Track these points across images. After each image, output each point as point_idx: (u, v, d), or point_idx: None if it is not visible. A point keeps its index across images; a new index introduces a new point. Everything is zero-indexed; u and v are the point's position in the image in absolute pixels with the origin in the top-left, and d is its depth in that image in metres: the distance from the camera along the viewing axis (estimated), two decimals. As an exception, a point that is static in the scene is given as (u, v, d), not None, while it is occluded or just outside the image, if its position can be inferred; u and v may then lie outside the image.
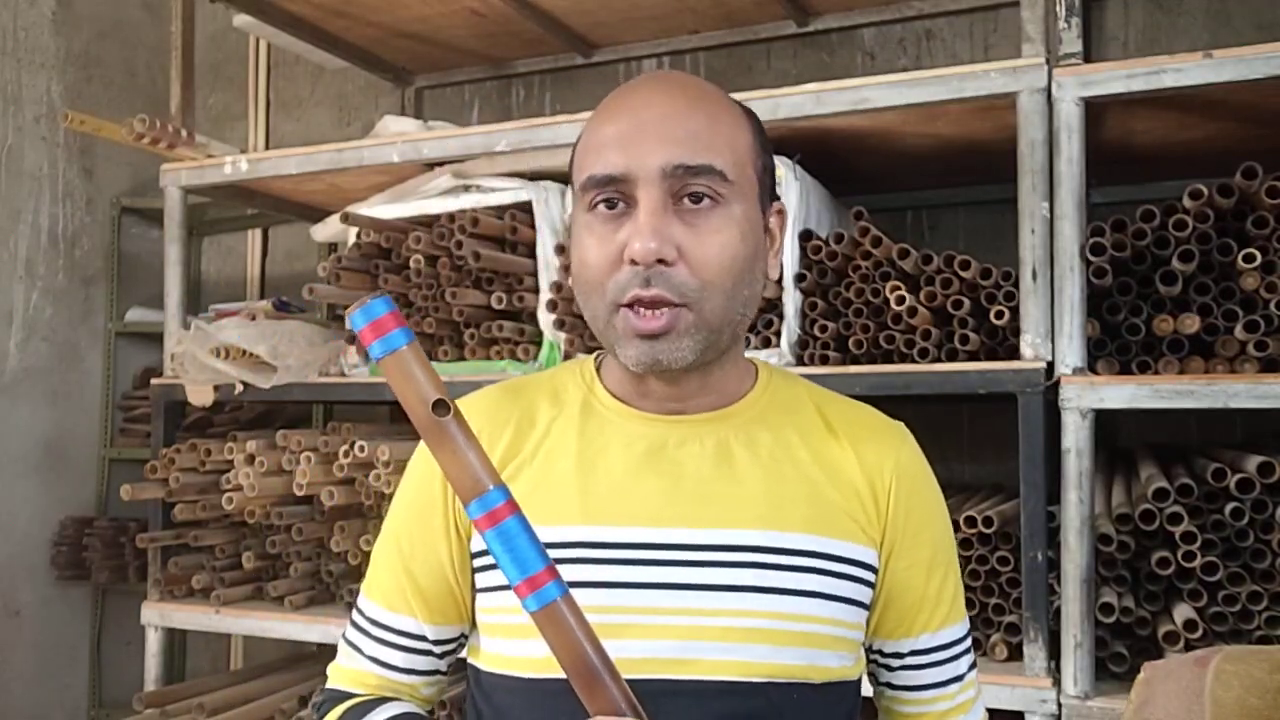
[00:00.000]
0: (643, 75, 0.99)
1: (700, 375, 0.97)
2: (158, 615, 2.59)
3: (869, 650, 1.05)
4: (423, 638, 1.02)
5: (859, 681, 1.02)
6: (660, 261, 0.88)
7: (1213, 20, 2.46)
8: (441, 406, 0.82)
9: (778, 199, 1.02)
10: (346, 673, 1.05)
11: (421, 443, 1.03)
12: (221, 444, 2.50)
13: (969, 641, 1.07)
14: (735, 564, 0.93)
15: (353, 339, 2.43)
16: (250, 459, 2.43)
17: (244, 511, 2.43)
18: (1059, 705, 1.80)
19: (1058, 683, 1.81)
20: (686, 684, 0.91)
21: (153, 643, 2.64)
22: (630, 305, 0.90)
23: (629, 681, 0.84)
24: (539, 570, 0.80)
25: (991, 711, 1.85)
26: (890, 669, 1.05)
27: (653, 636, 0.91)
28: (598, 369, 1.04)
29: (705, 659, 0.91)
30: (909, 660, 1.04)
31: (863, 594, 0.98)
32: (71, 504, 3.34)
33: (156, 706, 2.52)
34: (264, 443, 2.46)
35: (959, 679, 1.05)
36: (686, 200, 0.91)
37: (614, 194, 0.92)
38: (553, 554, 0.88)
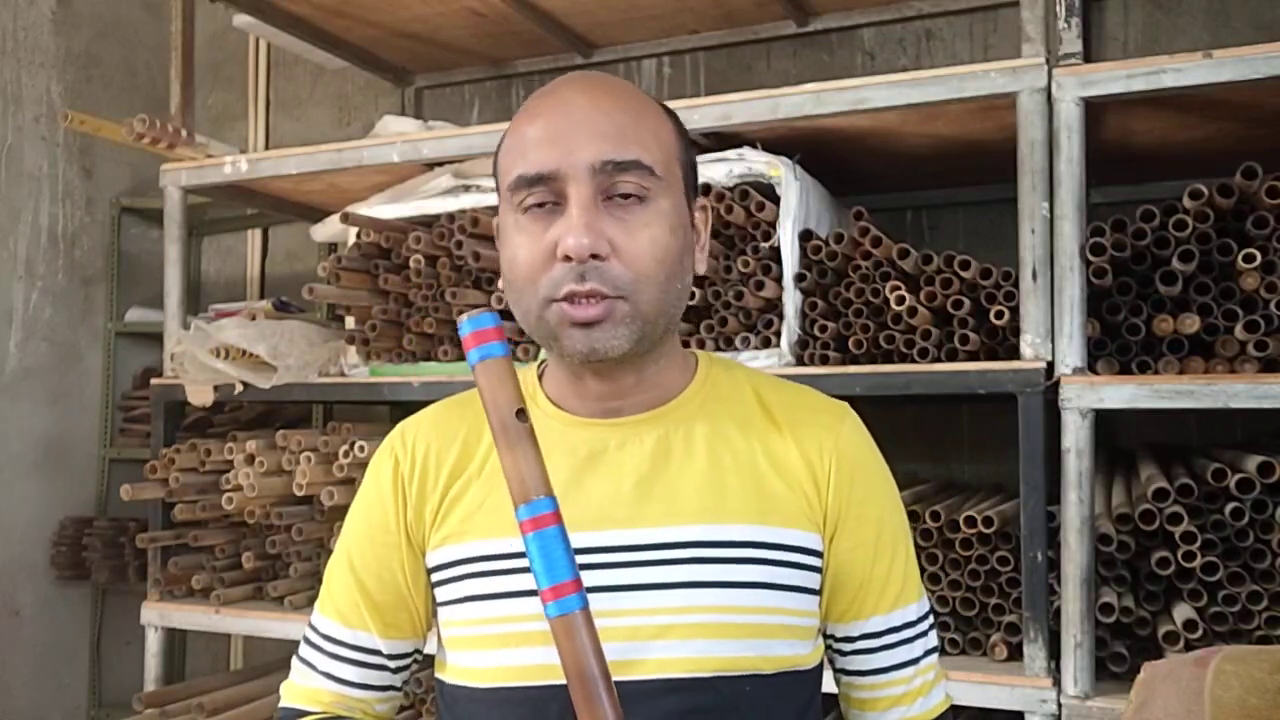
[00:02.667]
0: (564, 77, 0.99)
1: (636, 370, 0.98)
2: (158, 615, 2.59)
3: (824, 636, 1.05)
4: (377, 652, 1.03)
5: (817, 669, 1.02)
6: (594, 256, 0.89)
7: (1213, 20, 2.46)
8: (523, 414, 0.88)
9: (699, 195, 1.03)
10: (300, 690, 1.05)
11: (373, 459, 1.06)
12: (221, 444, 2.50)
13: (926, 624, 1.05)
14: (677, 561, 0.94)
15: (352, 339, 2.43)
16: (250, 459, 2.43)
17: (244, 511, 2.43)
18: (1059, 705, 1.80)
19: (1058, 683, 1.81)
20: (634, 684, 0.91)
21: (153, 643, 2.64)
22: (565, 299, 0.91)
23: None
24: (567, 580, 0.84)
25: (991, 711, 1.86)
26: (843, 654, 1.04)
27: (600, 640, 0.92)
28: (540, 378, 1.05)
29: (651, 658, 0.92)
30: (860, 644, 1.03)
31: (810, 580, 0.98)
32: (71, 504, 3.34)
33: (156, 706, 2.52)
34: (264, 443, 2.46)
35: (913, 662, 1.03)
36: (616, 197, 0.92)
37: (543, 193, 0.92)
38: (499, 565, 0.92)
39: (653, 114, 0.97)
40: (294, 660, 1.07)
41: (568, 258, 0.89)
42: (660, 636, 0.92)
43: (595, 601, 0.92)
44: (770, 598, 0.95)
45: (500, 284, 1.04)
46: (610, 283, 0.90)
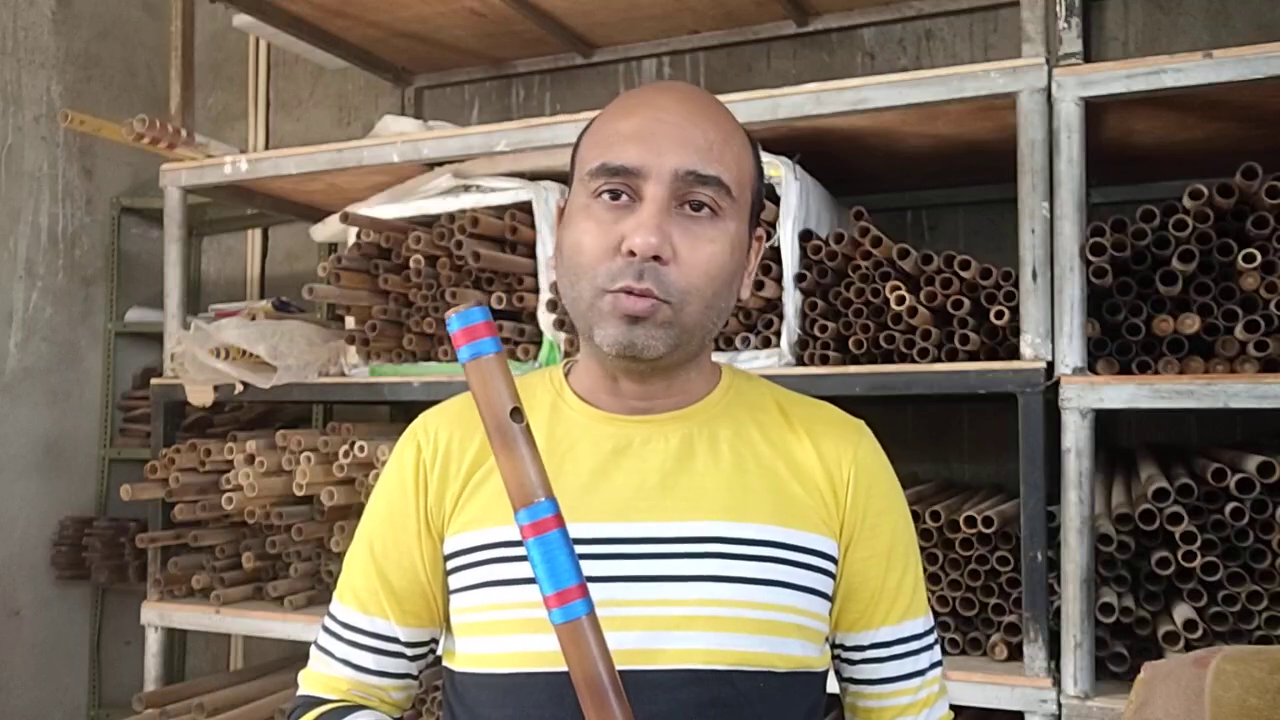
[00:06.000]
0: (660, 83, 1.02)
1: (666, 378, 1.00)
2: (158, 615, 2.59)
3: (832, 645, 1.07)
4: (395, 639, 1.04)
5: (825, 674, 1.04)
6: (656, 259, 0.91)
7: (1213, 20, 2.46)
8: (517, 414, 0.86)
9: (760, 225, 1.05)
10: (318, 678, 1.06)
11: (396, 447, 1.07)
12: (221, 444, 2.50)
13: (932, 638, 1.08)
14: (698, 554, 0.96)
15: (352, 339, 2.43)
16: (250, 459, 2.44)
17: (244, 511, 2.43)
18: (1059, 705, 1.80)
19: (1058, 683, 1.81)
20: (653, 674, 0.93)
21: (153, 643, 2.64)
22: (619, 291, 0.92)
23: None
24: (571, 585, 0.83)
25: (991, 711, 1.86)
26: (852, 663, 1.06)
27: (619, 628, 0.92)
28: (566, 375, 1.06)
29: (671, 648, 0.93)
30: (869, 653, 1.05)
31: (824, 584, 1.00)
32: (71, 504, 3.34)
33: (156, 706, 2.52)
34: (264, 443, 2.46)
35: (920, 674, 1.05)
36: (688, 206, 0.94)
37: (621, 185, 0.94)
38: (519, 551, 0.91)
39: (740, 139, 1.00)
40: (312, 648, 1.08)
41: (632, 253, 0.91)
42: (680, 627, 0.94)
43: (617, 590, 0.94)
44: (787, 596, 0.97)
45: (550, 262, 1.06)
46: (663, 287, 0.92)
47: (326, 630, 1.07)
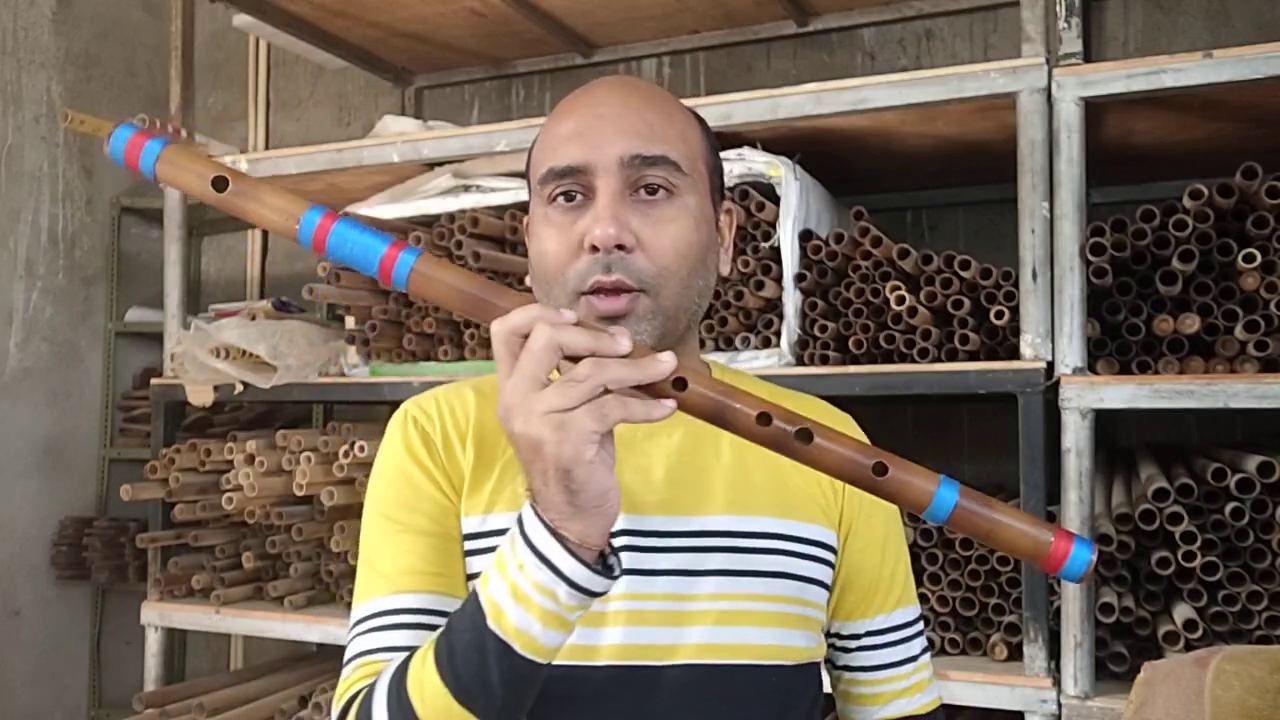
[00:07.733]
0: (598, 79, 1.03)
1: None
2: (158, 615, 2.59)
3: (827, 634, 1.08)
4: (428, 611, 0.94)
5: (820, 665, 1.05)
6: (620, 248, 0.90)
7: (1213, 20, 2.46)
8: (221, 180, 0.80)
9: (725, 199, 1.05)
10: (351, 682, 0.95)
11: (389, 432, 1.02)
12: (221, 444, 2.50)
13: (921, 625, 1.11)
14: (708, 549, 0.96)
15: (352, 339, 2.43)
16: (250, 459, 2.44)
17: (244, 511, 2.43)
18: (1059, 705, 1.80)
19: (1058, 683, 1.81)
20: (666, 669, 0.92)
21: (153, 643, 2.64)
22: (592, 292, 0.91)
23: (611, 668, 0.89)
24: (387, 247, 0.79)
25: (991, 711, 1.86)
26: (847, 650, 1.08)
27: (632, 623, 0.92)
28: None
29: (684, 643, 0.93)
30: (865, 641, 1.07)
31: (825, 574, 1.02)
32: (71, 504, 3.34)
33: (156, 706, 2.52)
34: (264, 443, 2.46)
35: (912, 659, 1.08)
36: (642, 191, 0.93)
37: (572, 186, 0.93)
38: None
39: (681, 115, 0.99)
40: (342, 675, 0.97)
41: (594, 249, 0.90)
42: (694, 622, 0.94)
43: (630, 585, 0.93)
44: (793, 588, 0.98)
45: (528, 280, 1.04)
46: (634, 275, 0.91)
47: (354, 637, 0.95)
